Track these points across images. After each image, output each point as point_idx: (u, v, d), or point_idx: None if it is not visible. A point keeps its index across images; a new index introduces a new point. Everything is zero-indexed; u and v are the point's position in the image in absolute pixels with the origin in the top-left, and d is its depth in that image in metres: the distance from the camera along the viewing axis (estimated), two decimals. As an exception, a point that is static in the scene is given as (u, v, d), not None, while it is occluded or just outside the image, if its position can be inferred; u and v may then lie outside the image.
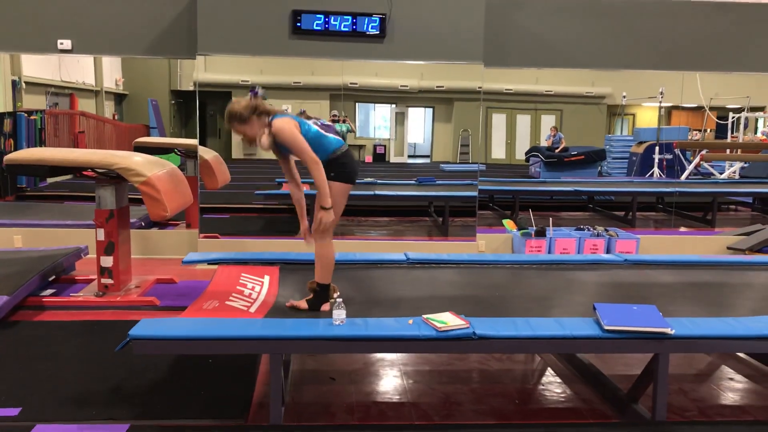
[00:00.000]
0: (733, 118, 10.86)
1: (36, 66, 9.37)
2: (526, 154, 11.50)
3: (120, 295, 5.45)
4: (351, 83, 8.38)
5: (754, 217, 10.09)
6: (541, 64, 7.59)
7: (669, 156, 10.52)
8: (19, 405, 3.44)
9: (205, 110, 7.76)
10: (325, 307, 3.79)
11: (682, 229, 9.03)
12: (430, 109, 10.70)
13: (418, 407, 3.62)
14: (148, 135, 10.56)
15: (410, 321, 3.33)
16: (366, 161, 10.30)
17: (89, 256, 6.26)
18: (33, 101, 9.35)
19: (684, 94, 8.57)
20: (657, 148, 10.56)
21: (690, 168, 10.48)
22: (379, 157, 10.38)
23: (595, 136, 11.56)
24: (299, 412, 3.52)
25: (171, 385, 3.74)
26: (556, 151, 11.07)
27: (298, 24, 6.72)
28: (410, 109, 10.57)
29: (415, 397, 3.76)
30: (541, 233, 7.21)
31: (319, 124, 3.80)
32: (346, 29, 6.79)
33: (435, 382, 3.98)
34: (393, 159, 10.48)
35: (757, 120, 11.34)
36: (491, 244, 7.44)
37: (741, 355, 4.47)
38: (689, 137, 11.10)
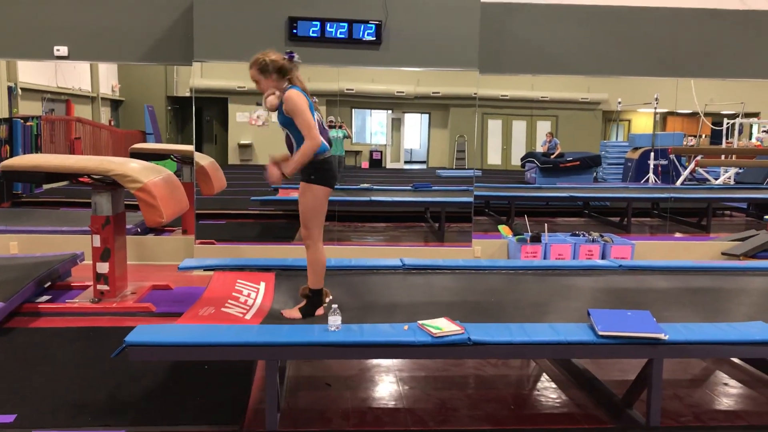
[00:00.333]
0: (727, 124, 10.91)
1: (32, 72, 9.36)
2: (522, 159, 11.54)
3: (116, 301, 5.45)
4: (347, 89, 8.40)
5: (749, 222, 10.12)
6: (536, 71, 7.63)
7: (664, 162, 10.56)
8: (15, 412, 3.44)
9: (201, 116, 7.78)
10: (319, 311, 3.80)
11: (677, 234, 9.06)
12: (426, 115, 10.73)
13: (413, 413, 3.63)
14: (145, 141, 10.57)
15: (406, 327, 3.34)
16: (362, 167, 10.32)
17: (85, 262, 6.26)
18: (29, 107, 9.34)
19: (679, 100, 8.62)
20: (652, 154, 10.60)
21: (685, 174, 10.52)
22: (376, 163, 10.40)
23: (590, 142, 11.61)
24: (295, 418, 3.53)
25: (167, 391, 3.74)
26: (552, 156, 11.12)
27: (295, 31, 6.75)
28: (406, 115, 10.60)
29: (411, 402, 3.76)
30: (536, 239, 7.22)
31: (320, 122, 3.84)
32: (342, 36, 6.82)
33: (430, 387, 3.99)
34: (389, 165, 10.51)
35: (751, 126, 11.40)
36: (487, 249, 7.46)
37: (735, 360, 4.48)
38: (684, 143, 11.15)
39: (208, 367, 4.03)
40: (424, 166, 10.95)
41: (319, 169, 3.73)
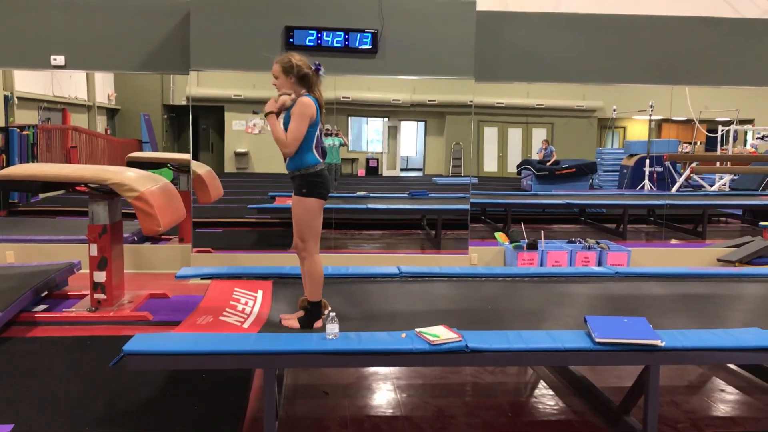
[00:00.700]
0: (722, 131, 10.97)
1: (28, 81, 9.37)
2: (518, 167, 11.57)
3: (113, 310, 5.44)
4: (343, 97, 8.43)
5: (744, 229, 10.16)
6: (531, 79, 7.67)
7: (659, 169, 10.60)
8: (12, 421, 3.43)
9: (197, 125, 7.78)
10: (318, 324, 3.80)
11: (673, 241, 9.09)
12: (423, 123, 10.77)
13: (411, 421, 3.63)
14: (141, 150, 10.57)
15: (403, 335, 3.34)
16: (359, 174, 10.34)
17: (82, 271, 6.25)
18: (25, 116, 9.34)
19: (674, 108, 8.66)
20: (647, 161, 10.65)
21: (680, 180, 10.56)
22: (372, 171, 10.42)
23: (586, 149, 11.65)
24: (293, 427, 3.53)
25: (165, 400, 3.74)
26: (548, 164, 11.15)
27: (291, 40, 6.77)
28: (402, 123, 10.63)
29: (409, 410, 3.77)
30: (532, 246, 7.24)
31: (318, 137, 3.86)
32: (339, 45, 6.85)
33: (428, 395, 3.99)
34: (386, 172, 10.53)
35: (746, 133, 11.46)
36: (484, 257, 7.47)
37: (732, 366, 4.50)
38: (679, 150, 11.20)
39: (206, 376, 4.03)
40: (420, 174, 10.97)
41: (311, 182, 3.75)
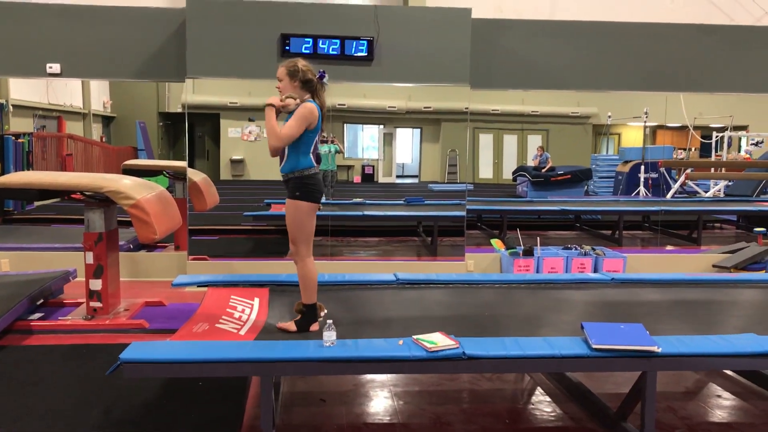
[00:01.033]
0: (716, 137, 11.02)
1: (23, 89, 9.37)
2: (513, 173, 11.60)
3: (109, 318, 5.43)
4: (339, 104, 8.45)
5: (739, 234, 10.19)
6: (526, 86, 7.68)
7: (654, 175, 10.64)
8: (8, 430, 3.41)
9: (193, 132, 7.79)
10: (314, 327, 3.80)
11: (668, 247, 9.11)
12: (418, 130, 10.80)
13: (408, 428, 3.63)
14: (136, 157, 10.57)
15: (400, 342, 3.34)
16: (355, 181, 10.36)
17: (77, 279, 6.23)
18: (20, 124, 9.34)
19: (668, 114, 8.71)
20: (642, 167, 10.69)
21: (675, 187, 10.59)
22: (368, 177, 10.45)
23: (581, 156, 11.70)
24: (290, 435, 3.52)
25: (161, 408, 3.73)
26: (543, 170, 11.17)
27: (287, 48, 6.78)
28: (398, 130, 10.66)
29: (406, 417, 3.76)
30: (529, 252, 7.25)
31: (316, 142, 3.88)
32: (335, 52, 6.86)
33: (425, 402, 3.99)
34: (381, 179, 10.55)
35: (740, 139, 11.51)
36: (480, 263, 7.48)
37: (728, 372, 4.51)
38: (674, 156, 11.24)
39: (203, 384, 4.02)
40: (416, 181, 11.00)
41: (304, 185, 3.77)
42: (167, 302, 6.09)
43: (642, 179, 10.66)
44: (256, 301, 4.43)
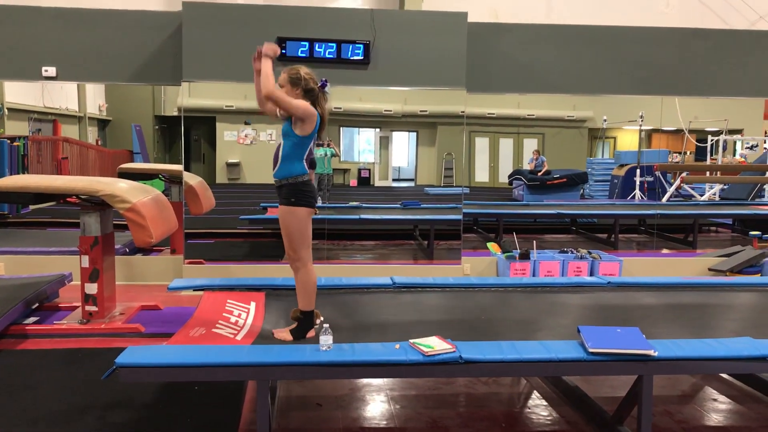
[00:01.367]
0: (711, 140, 11.05)
1: (19, 92, 9.34)
2: (509, 177, 11.61)
3: (104, 322, 5.41)
4: (335, 108, 8.44)
5: (734, 238, 10.22)
6: (522, 90, 7.71)
7: (650, 178, 10.66)
8: (3, 435, 3.41)
9: (189, 135, 7.78)
10: (311, 334, 3.79)
11: (664, 250, 9.13)
12: (414, 133, 10.80)
13: (405, 432, 3.63)
14: (132, 160, 10.54)
15: (397, 346, 3.34)
16: (351, 185, 10.35)
17: (73, 283, 6.21)
18: (15, 127, 9.31)
19: (663, 118, 8.72)
20: (638, 171, 10.70)
21: (671, 190, 10.62)
22: (364, 181, 10.44)
23: (576, 159, 11.71)
24: (286, 439, 3.51)
25: (157, 412, 3.72)
26: (539, 174, 11.19)
27: (284, 51, 6.77)
28: (394, 133, 10.66)
29: (402, 422, 3.76)
30: (525, 256, 7.26)
31: (311, 147, 3.87)
32: (331, 56, 6.86)
33: (422, 406, 3.98)
34: (378, 183, 10.55)
35: (735, 142, 11.54)
36: (476, 267, 7.48)
37: (725, 376, 4.51)
38: (669, 160, 11.26)
39: (199, 388, 4.01)
40: (412, 184, 11.00)
41: (299, 191, 3.76)
42: (163, 306, 6.07)
43: (638, 183, 10.67)
44: (253, 306, 4.42)
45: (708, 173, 11.28)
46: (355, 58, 6.91)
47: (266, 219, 8.49)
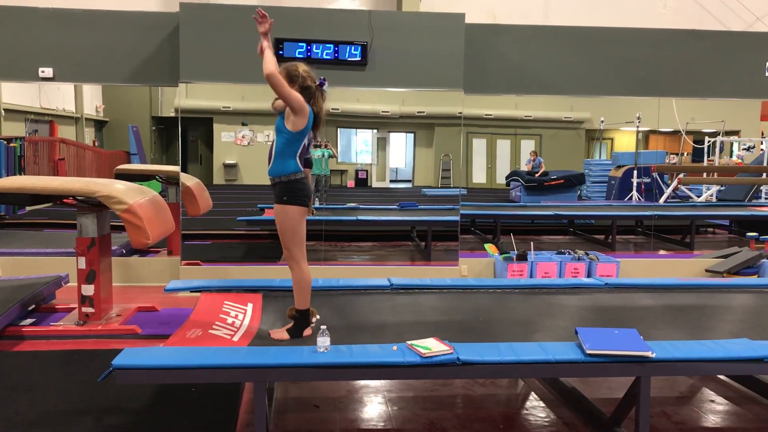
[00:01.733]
0: (708, 142, 11.06)
1: (15, 93, 9.33)
2: (507, 178, 11.60)
3: (101, 323, 5.40)
4: (333, 109, 8.42)
5: (732, 239, 10.23)
6: (520, 91, 7.71)
7: (647, 180, 10.67)
8: (-1, 437, 3.40)
9: (186, 136, 7.76)
10: (307, 332, 3.79)
11: (662, 252, 9.14)
12: (412, 134, 10.79)
13: (402, 434, 3.62)
14: (129, 162, 10.53)
15: (394, 347, 3.33)
16: (348, 186, 10.34)
17: (70, 284, 6.20)
18: (12, 128, 9.29)
19: (661, 119, 8.73)
20: (635, 172, 10.71)
21: (668, 191, 10.63)
22: (361, 182, 10.43)
23: (574, 161, 11.71)
24: (283, 441, 3.50)
25: (154, 414, 3.71)
26: (536, 175, 11.19)
27: (281, 52, 6.78)
28: (392, 134, 10.65)
29: (400, 423, 3.75)
30: (522, 257, 7.26)
31: (305, 144, 3.86)
32: (329, 57, 6.86)
33: (419, 408, 3.98)
34: (375, 184, 10.53)
35: (732, 144, 11.56)
36: (474, 268, 7.48)
37: (722, 377, 4.51)
38: (666, 161, 11.28)
39: (195, 390, 4.00)
40: (409, 185, 10.98)
41: (292, 190, 3.74)
42: (160, 307, 6.06)
43: (635, 184, 10.69)
44: (250, 307, 4.41)
45: (705, 174, 11.29)
46: (353, 59, 6.90)
47: (263, 220, 8.48)
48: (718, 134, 10.92)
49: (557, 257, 7.44)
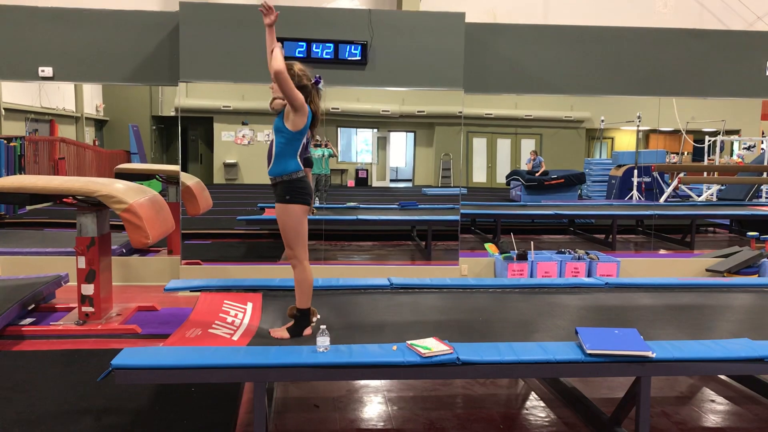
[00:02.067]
0: (709, 141, 11.05)
1: (15, 92, 9.32)
2: (507, 177, 11.59)
3: (101, 323, 5.39)
4: (333, 108, 8.44)
5: (732, 239, 10.22)
6: (520, 90, 7.70)
7: (647, 179, 10.66)
8: (-2, 437, 3.39)
9: (186, 136, 7.76)
10: (307, 331, 3.78)
11: (662, 251, 9.13)
12: (412, 134, 10.78)
13: (402, 434, 3.62)
14: (129, 161, 10.53)
15: (394, 347, 3.33)
16: (348, 185, 10.33)
17: (69, 283, 6.20)
18: (12, 127, 9.29)
19: (661, 118, 8.72)
20: (636, 172, 10.70)
21: (668, 191, 10.62)
22: (362, 182, 10.42)
23: (574, 160, 11.70)
24: (283, 441, 3.50)
25: (153, 414, 3.70)
26: (537, 174, 11.18)
27: (280, 51, 6.76)
28: (392, 134, 10.63)
29: (400, 423, 3.75)
30: (522, 257, 7.25)
31: (305, 143, 3.85)
32: (328, 56, 6.86)
33: (419, 408, 3.97)
34: (375, 183, 10.52)
35: (732, 143, 11.55)
36: (474, 267, 7.47)
37: (722, 377, 4.51)
38: (667, 160, 11.26)
39: (195, 390, 4.00)
40: (409, 185, 10.97)
41: (293, 188, 3.74)
42: (160, 307, 6.06)
43: (635, 183, 10.68)
44: (249, 306, 4.41)
45: (705, 174, 11.28)
46: (353, 58, 6.90)
47: (263, 219, 8.47)
48: (719, 133, 10.91)
49: (557, 257, 7.43)
